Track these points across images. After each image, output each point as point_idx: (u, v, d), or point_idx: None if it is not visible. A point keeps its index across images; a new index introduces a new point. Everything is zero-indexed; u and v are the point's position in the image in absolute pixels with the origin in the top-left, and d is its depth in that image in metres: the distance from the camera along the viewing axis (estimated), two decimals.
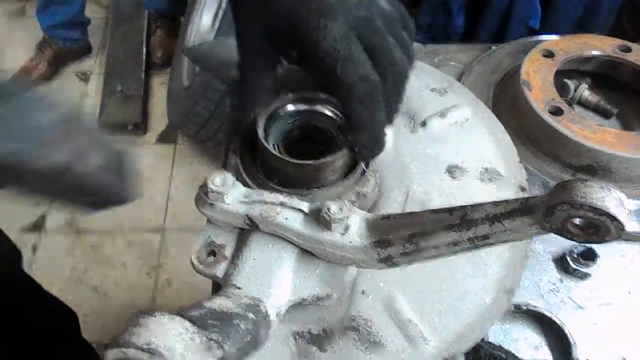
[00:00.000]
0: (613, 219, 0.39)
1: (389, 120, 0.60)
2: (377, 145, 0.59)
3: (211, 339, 0.38)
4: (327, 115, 0.64)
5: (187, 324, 0.36)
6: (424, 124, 0.78)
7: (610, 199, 0.39)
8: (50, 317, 1.37)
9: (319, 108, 0.64)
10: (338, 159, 0.60)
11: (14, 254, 1.25)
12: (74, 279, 2.26)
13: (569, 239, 0.43)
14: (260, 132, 0.61)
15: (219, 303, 0.48)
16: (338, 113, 0.64)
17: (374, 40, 0.56)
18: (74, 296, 2.18)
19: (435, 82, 0.84)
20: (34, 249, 2.35)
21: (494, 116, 0.80)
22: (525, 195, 0.71)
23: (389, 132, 0.74)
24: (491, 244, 0.47)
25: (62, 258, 2.33)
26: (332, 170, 0.61)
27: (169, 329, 0.35)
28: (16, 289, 1.22)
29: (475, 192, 0.71)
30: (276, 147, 0.63)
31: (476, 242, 0.47)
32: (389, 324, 0.60)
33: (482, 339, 0.69)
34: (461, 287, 0.62)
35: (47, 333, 1.30)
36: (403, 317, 0.60)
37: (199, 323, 0.37)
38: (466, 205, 0.48)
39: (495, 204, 0.46)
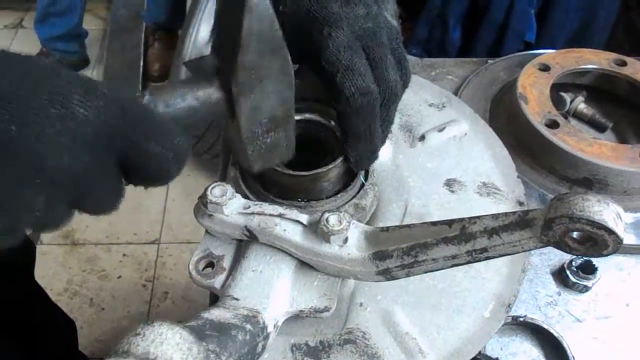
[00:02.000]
0: (611, 232, 0.39)
1: (382, 139, 0.60)
2: (371, 156, 0.60)
3: (209, 350, 0.38)
4: (323, 124, 0.65)
5: (186, 334, 0.36)
6: (422, 138, 0.79)
7: (608, 212, 0.39)
8: (52, 325, 1.36)
9: (315, 118, 0.65)
10: (332, 170, 0.60)
11: (33, 259, 1.25)
12: (70, 291, 2.25)
13: (567, 252, 0.43)
14: None
15: (217, 314, 0.48)
16: (334, 123, 0.64)
17: (375, 53, 0.56)
18: (70, 308, 2.17)
19: (434, 97, 0.85)
20: None
21: (492, 131, 0.81)
22: (523, 209, 0.71)
23: (388, 145, 0.75)
24: (489, 257, 0.48)
25: (57, 270, 2.32)
26: (327, 181, 0.62)
27: (168, 338, 0.36)
28: (27, 293, 1.22)
29: (473, 206, 0.71)
30: None
31: (474, 255, 0.48)
32: (387, 337, 0.60)
33: (480, 352, 0.69)
34: (459, 300, 0.62)
35: (48, 342, 1.29)
36: (401, 330, 0.60)
37: (197, 333, 0.38)
38: (465, 218, 0.48)
39: (494, 216, 0.46)
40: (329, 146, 0.64)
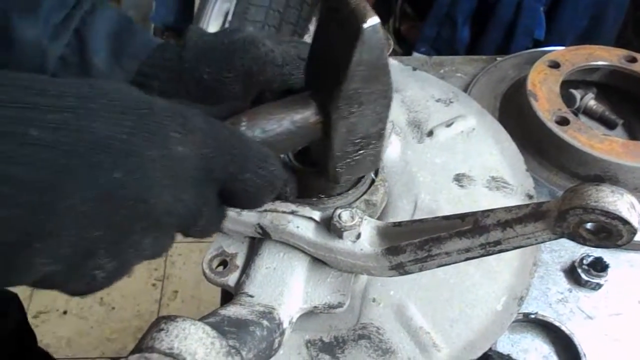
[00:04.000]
0: (625, 222, 0.39)
1: None
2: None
3: (229, 345, 0.38)
4: None
5: (208, 328, 0.37)
6: (430, 133, 0.79)
7: (622, 202, 0.39)
8: None
9: None
10: None
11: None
12: None
13: (581, 244, 0.43)
14: None
15: (234, 311, 0.49)
16: None
17: None
18: (80, 308, 2.18)
19: (441, 93, 0.85)
20: None
21: (500, 125, 0.81)
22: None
23: (396, 141, 0.75)
24: (502, 250, 0.48)
25: None
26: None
27: (191, 333, 0.36)
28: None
29: (483, 200, 0.71)
30: (287, 156, 0.63)
31: (488, 248, 0.48)
32: (400, 332, 0.60)
33: (491, 349, 0.69)
34: (471, 294, 0.63)
35: None
36: (414, 325, 0.60)
37: (216, 329, 0.38)
38: (478, 212, 0.48)
39: (507, 209, 0.46)
40: None
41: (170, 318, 0.36)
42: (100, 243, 0.37)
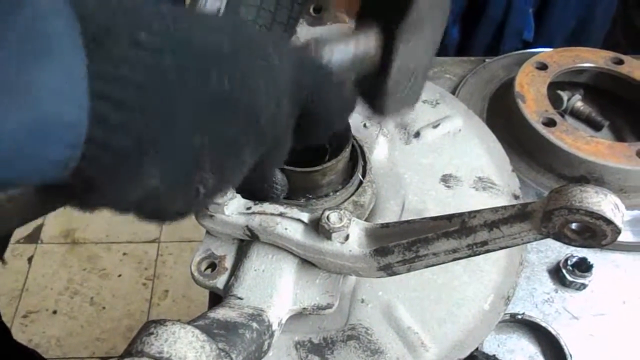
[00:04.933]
0: (609, 222, 0.40)
1: None
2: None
3: (219, 348, 0.38)
4: None
5: (197, 332, 0.37)
6: (417, 134, 0.79)
7: (606, 203, 0.40)
8: None
9: None
10: (340, 164, 0.61)
11: None
12: (70, 290, 2.25)
13: (566, 243, 0.43)
14: None
15: (223, 313, 0.49)
16: None
17: None
18: (70, 307, 2.17)
19: (427, 94, 0.86)
20: (30, 260, 2.34)
21: (486, 126, 0.82)
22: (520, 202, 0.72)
23: (383, 142, 0.76)
24: (489, 250, 0.48)
25: (58, 269, 2.32)
26: (335, 174, 0.62)
27: (180, 337, 0.36)
28: None
29: (469, 200, 0.72)
30: None
31: (475, 249, 0.48)
32: (389, 332, 0.61)
33: (477, 349, 0.70)
34: (459, 294, 0.63)
35: None
36: (402, 325, 0.61)
37: (206, 333, 0.38)
38: (464, 212, 0.49)
39: (494, 210, 0.46)
40: (324, 145, 0.65)
41: (160, 322, 0.36)
42: (207, 153, 0.37)
